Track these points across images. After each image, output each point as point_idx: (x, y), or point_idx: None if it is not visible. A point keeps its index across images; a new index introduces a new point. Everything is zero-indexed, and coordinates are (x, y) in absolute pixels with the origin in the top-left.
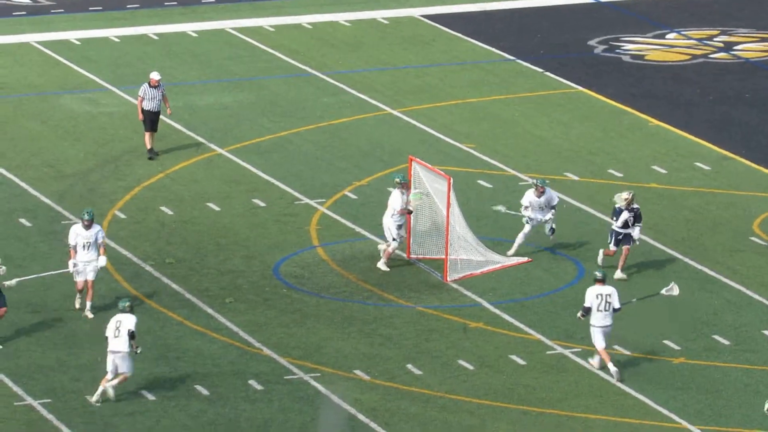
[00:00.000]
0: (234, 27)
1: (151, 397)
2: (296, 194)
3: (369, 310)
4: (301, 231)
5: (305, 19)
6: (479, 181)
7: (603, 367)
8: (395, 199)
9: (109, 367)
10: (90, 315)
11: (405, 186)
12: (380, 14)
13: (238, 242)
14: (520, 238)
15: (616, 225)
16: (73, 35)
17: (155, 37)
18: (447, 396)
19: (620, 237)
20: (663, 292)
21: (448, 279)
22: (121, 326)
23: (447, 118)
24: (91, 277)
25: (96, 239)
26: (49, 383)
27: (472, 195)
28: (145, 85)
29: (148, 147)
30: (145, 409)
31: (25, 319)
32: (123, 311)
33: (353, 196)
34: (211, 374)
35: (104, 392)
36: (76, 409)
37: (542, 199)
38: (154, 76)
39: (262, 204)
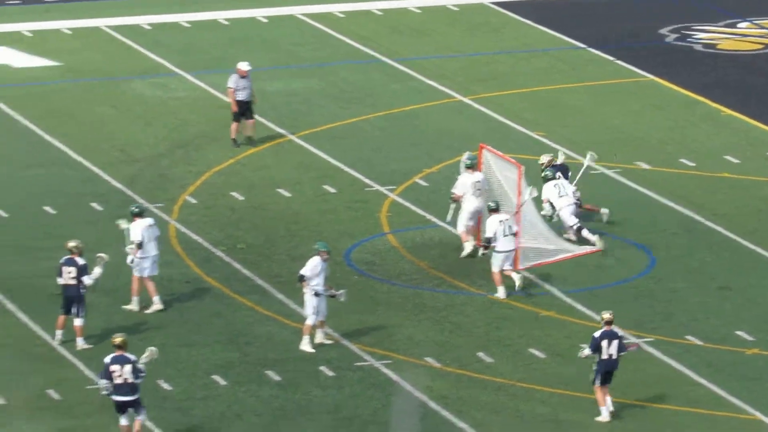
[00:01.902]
0: (304, 13)
1: (222, 382)
2: (367, 181)
3: (440, 298)
4: (371, 218)
5: (375, 6)
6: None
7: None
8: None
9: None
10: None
11: (474, 168)
12: (450, 1)
13: (308, 228)
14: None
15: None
16: (143, 20)
17: (225, 23)
18: (518, 384)
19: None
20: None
21: (520, 267)
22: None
23: (517, 106)
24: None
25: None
26: None
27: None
28: (235, 76)
29: (233, 137)
30: (217, 394)
31: (96, 303)
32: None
33: (424, 183)
34: (282, 360)
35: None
36: (148, 393)
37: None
38: (243, 66)
39: (333, 190)
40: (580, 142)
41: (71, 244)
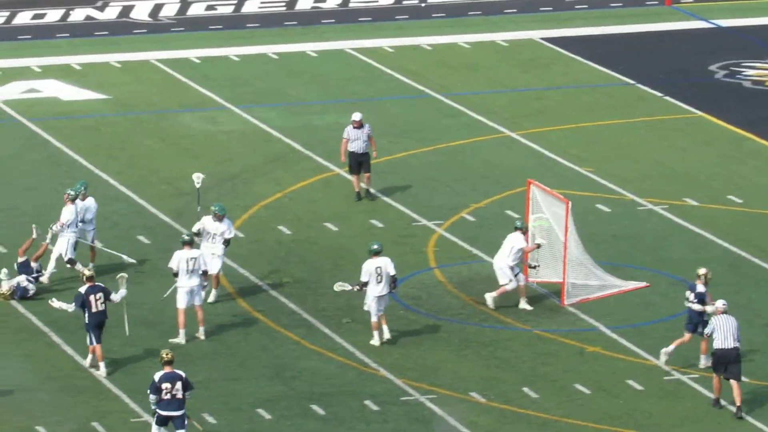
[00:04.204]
0: (353, 47)
1: (267, 416)
2: (414, 215)
3: (486, 333)
4: (418, 252)
5: (425, 41)
6: (597, 205)
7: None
8: (518, 241)
9: None
10: (202, 335)
11: (524, 231)
12: (500, 36)
13: (355, 262)
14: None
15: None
16: (192, 53)
17: (275, 57)
18: (563, 420)
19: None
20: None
21: (566, 303)
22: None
23: (565, 141)
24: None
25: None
26: None
27: (590, 219)
28: (349, 127)
29: (356, 189)
30: (261, 428)
31: (141, 336)
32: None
33: (471, 218)
34: (327, 394)
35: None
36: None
37: None
38: (356, 116)
39: (380, 225)
40: (628, 178)
41: (89, 272)
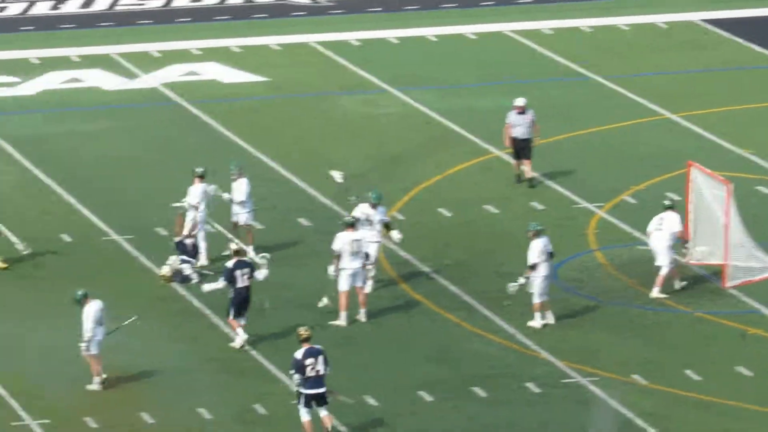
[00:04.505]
0: (512, 30)
1: (428, 398)
2: (574, 198)
3: (647, 315)
4: (579, 235)
5: (584, 23)
6: (758, 188)
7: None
8: (673, 221)
9: None
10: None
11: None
12: (659, 18)
13: (515, 245)
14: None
15: None
16: (352, 36)
17: (434, 39)
18: (726, 402)
19: None
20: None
21: (727, 285)
22: None
23: (725, 124)
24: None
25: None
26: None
27: (752, 201)
28: (512, 112)
29: (516, 171)
30: (423, 410)
31: (301, 318)
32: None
33: (632, 201)
34: (489, 376)
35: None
36: (352, 407)
37: None
38: (518, 102)
39: (540, 207)
40: None
41: (236, 247)
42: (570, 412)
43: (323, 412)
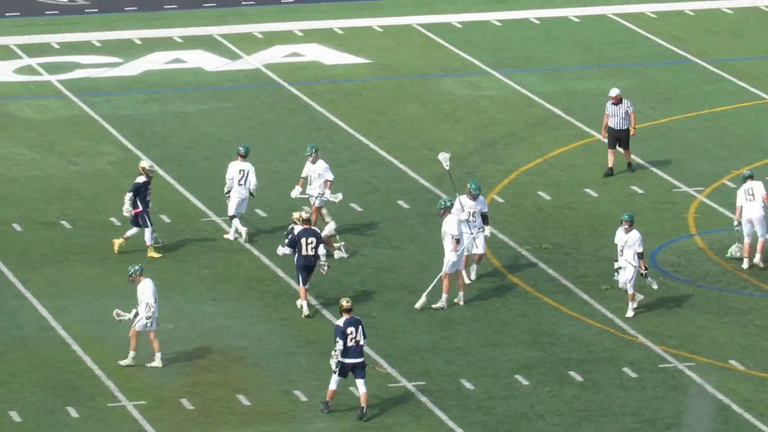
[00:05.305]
0: (616, 13)
1: (524, 381)
2: (674, 182)
3: (746, 300)
4: (679, 219)
5: (688, 6)
6: None
7: None
8: (760, 188)
9: None
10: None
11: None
12: (764, 2)
13: (614, 229)
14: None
15: None
16: (455, 18)
17: (536, 21)
18: None
19: None
20: None
21: None
22: None
23: None
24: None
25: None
26: (424, 366)
27: None
28: (609, 102)
29: (609, 165)
30: (519, 393)
31: (401, 301)
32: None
33: (732, 185)
34: (586, 360)
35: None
36: (450, 392)
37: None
38: (613, 92)
39: (640, 191)
40: None
41: (305, 215)
42: (666, 398)
43: (362, 389)
